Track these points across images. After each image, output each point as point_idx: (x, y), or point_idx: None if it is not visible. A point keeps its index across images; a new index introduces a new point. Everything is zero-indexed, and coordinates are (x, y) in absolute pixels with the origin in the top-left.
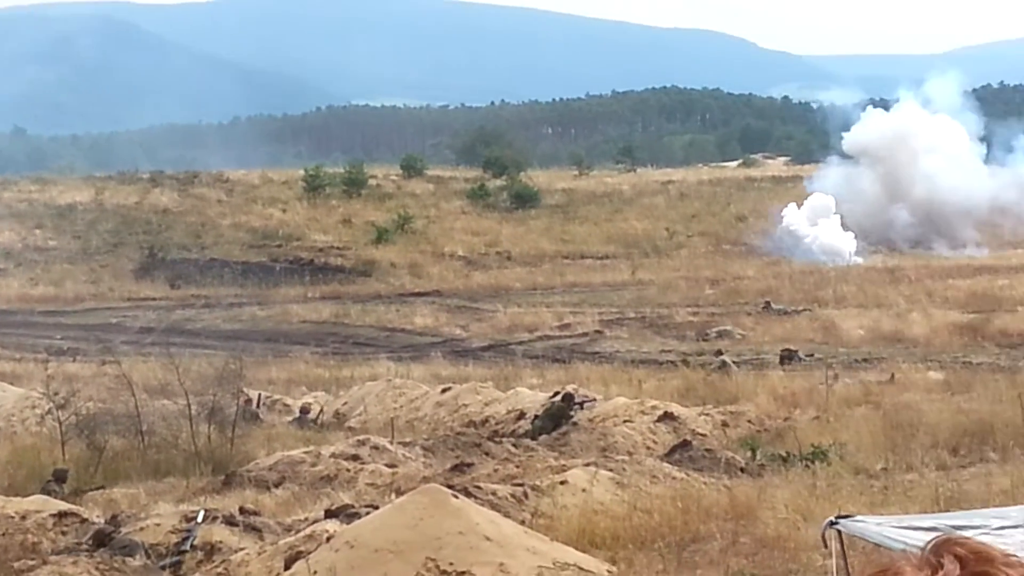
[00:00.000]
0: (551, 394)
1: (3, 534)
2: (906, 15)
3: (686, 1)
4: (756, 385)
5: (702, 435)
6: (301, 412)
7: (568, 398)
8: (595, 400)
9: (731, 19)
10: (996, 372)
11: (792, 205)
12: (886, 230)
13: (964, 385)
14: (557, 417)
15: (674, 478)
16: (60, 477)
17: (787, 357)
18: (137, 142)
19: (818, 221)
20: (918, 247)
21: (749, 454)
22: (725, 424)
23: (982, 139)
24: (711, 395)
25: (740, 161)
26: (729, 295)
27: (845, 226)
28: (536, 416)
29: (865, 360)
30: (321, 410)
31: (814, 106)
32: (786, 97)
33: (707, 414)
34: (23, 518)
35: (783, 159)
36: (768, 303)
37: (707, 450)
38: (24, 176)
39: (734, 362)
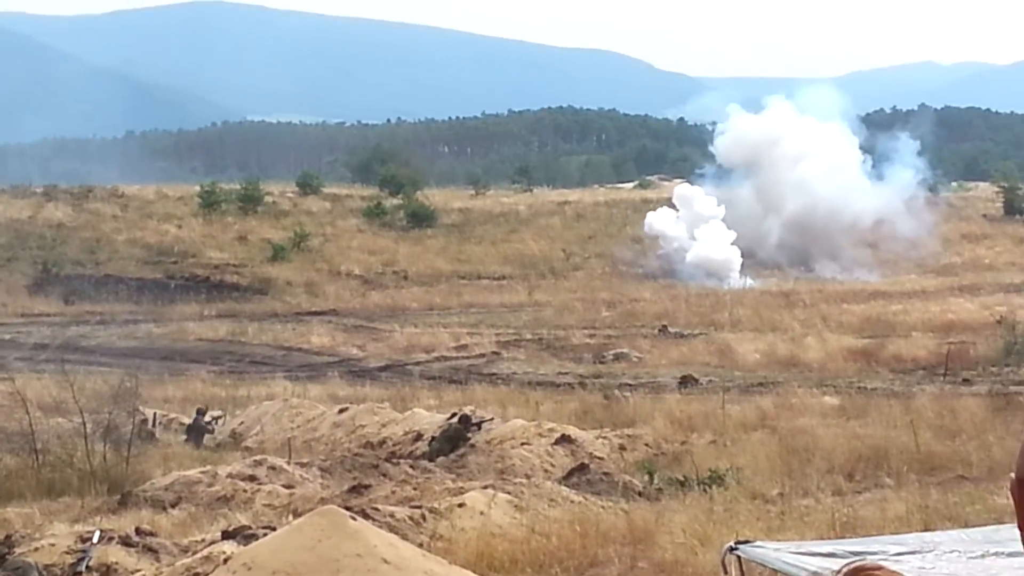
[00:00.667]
0: (448, 415)
1: None
2: (805, 38)
3: (582, 21)
4: (653, 408)
5: (600, 458)
6: (198, 413)
7: (465, 420)
8: (492, 422)
9: (628, 40)
10: (890, 397)
11: (663, 211)
12: (763, 246)
13: (859, 410)
14: (454, 439)
15: (572, 501)
16: None
17: (686, 381)
18: (29, 155)
19: (698, 229)
20: (799, 266)
21: (647, 478)
22: (622, 447)
23: (865, 151)
24: (608, 418)
25: (636, 183)
26: (626, 317)
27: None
28: (433, 438)
29: (761, 384)
30: (217, 418)
31: (709, 128)
32: (682, 119)
33: (604, 437)
34: None
35: (678, 181)
36: (665, 326)
37: (605, 473)
38: None
39: (630, 384)
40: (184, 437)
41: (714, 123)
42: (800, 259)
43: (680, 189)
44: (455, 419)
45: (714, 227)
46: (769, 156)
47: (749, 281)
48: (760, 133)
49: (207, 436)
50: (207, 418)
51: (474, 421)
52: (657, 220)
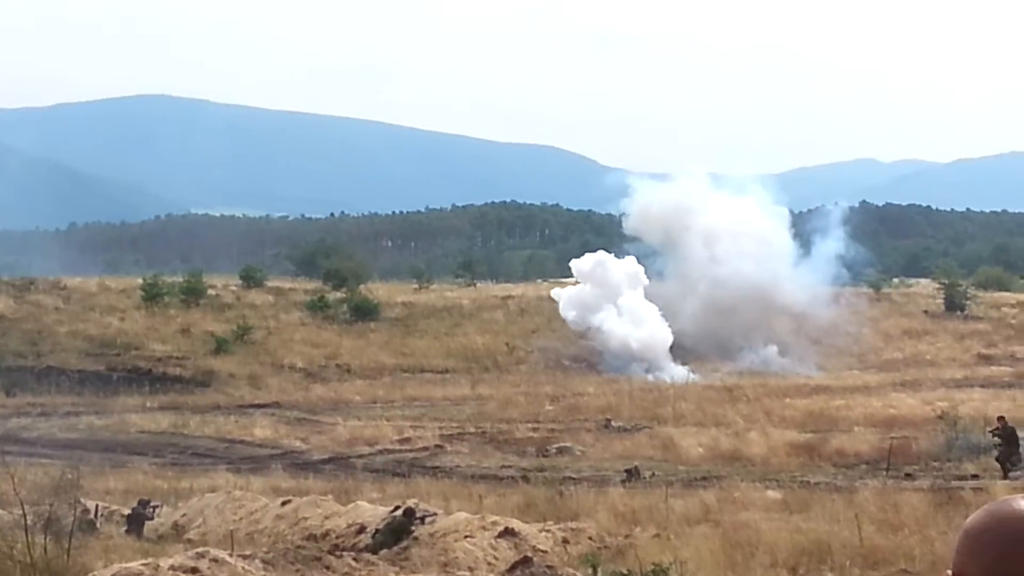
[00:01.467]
0: (392, 508)
1: None
2: (747, 135)
3: (525, 117)
4: (597, 502)
5: (543, 551)
6: (140, 504)
7: (409, 512)
8: (436, 515)
9: (571, 136)
10: (833, 492)
11: (571, 289)
12: (683, 329)
13: (802, 504)
14: (398, 532)
15: None
16: None
17: (631, 474)
18: None
19: (620, 298)
20: (719, 355)
21: (590, 571)
22: (566, 541)
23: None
24: (552, 511)
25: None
26: (569, 411)
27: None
28: (377, 530)
29: (704, 478)
30: (156, 507)
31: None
32: (624, 214)
33: (548, 530)
34: None
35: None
36: (608, 420)
37: (548, 567)
38: None
39: (573, 478)
40: (125, 528)
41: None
42: (720, 345)
43: (580, 263)
44: (399, 512)
45: (632, 299)
46: (680, 228)
47: (691, 375)
48: (669, 203)
49: (147, 525)
50: (148, 510)
51: (418, 514)
52: (571, 301)
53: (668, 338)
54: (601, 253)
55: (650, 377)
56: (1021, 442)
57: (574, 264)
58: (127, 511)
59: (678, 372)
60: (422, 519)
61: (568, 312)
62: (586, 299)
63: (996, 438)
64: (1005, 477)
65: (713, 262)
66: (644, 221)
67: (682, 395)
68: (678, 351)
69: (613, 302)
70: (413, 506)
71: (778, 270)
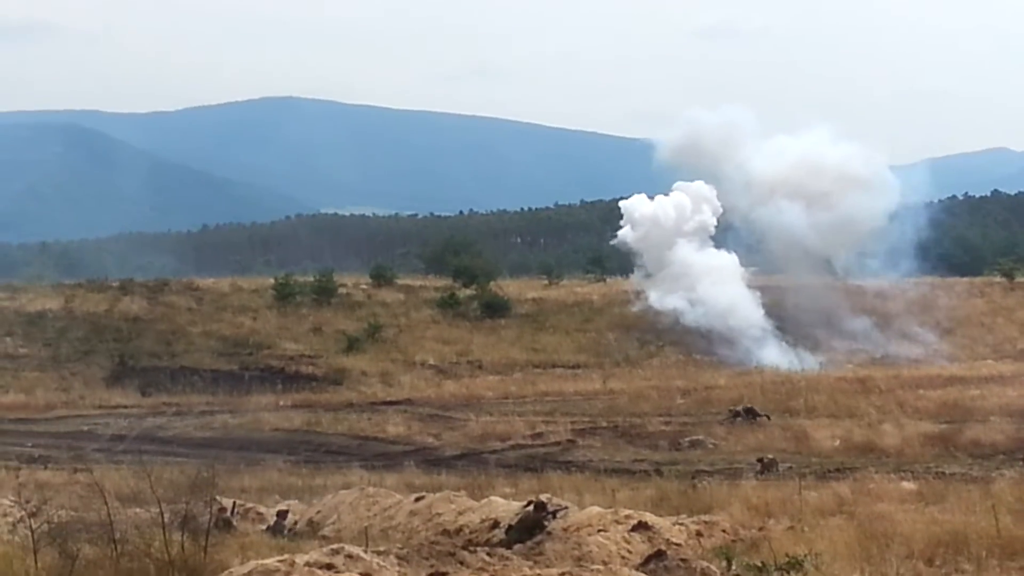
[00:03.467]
0: (525, 503)
1: None
2: (881, 125)
3: (653, 113)
4: (730, 495)
5: (676, 545)
6: (278, 516)
7: (540, 507)
8: (568, 509)
9: None
10: (969, 482)
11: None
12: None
13: (937, 495)
14: (531, 527)
15: None
16: None
17: (766, 466)
18: (106, 250)
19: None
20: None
21: (724, 564)
22: (700, 534)
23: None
24: (685, 505)
25: None
26: (701, 404)
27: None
28: (511, 525)
29: (838, 470)
30: (296, 521)
31: None
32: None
33: (681, 524)
34: None
35: (752, 269)
36: (748, 409)
37: (682, 560)
38: None
39: (707, 471)
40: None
41: None
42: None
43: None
44: (531, 507)
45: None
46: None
47: (816, 365)
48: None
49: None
50: (287, 521)
51: (549, 508)
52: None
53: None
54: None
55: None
56: None
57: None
58: (263, 510)
59: (805, 361)
60: (553, 513)
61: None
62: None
63: None
64: None
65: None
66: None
67: (814, 387)
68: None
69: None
70: (545, 500)
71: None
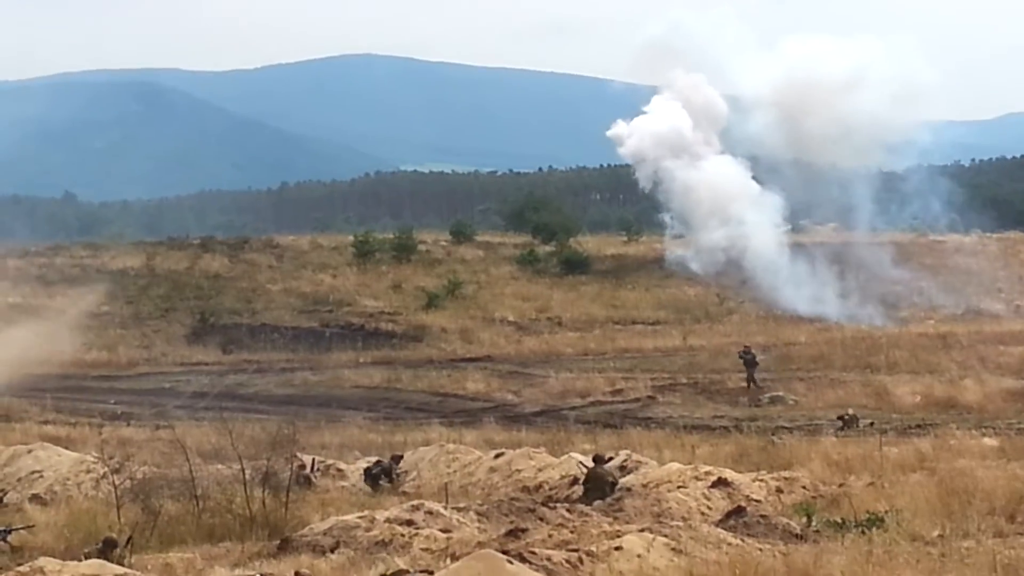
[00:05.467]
0: (593, 458)
1: None
2: (961, 78)
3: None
4: (810, 451)
5: (756, 501)
6: (392, 459)
7: (598, 459)
8: (629, 460)
9: None
10: None
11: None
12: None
13: (1019, 452)
14: (603, 483)
15: (730, 544)
16: (110, 545)
17: (846, 423)
18: (186, 208)
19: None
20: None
21: (804, 520)
22: (779, 490)
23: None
24: (765, 461)
25: (791, 226)
26: (781, 361)
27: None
28: (586, 482)
29: (919, 426)
30: (402, 472)
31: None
32: None
33: (761, 480)
34: None
35: (832, 225)
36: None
37: (762, 516)
38: (76, 242)
39: (786, 427)
40: (363, 478)
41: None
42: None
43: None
44: (594, 462)
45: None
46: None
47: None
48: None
49: (386, 484)
50: (394, 471)
51: (606, 456)
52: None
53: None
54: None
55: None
56: None
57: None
58: (343, 466)
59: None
60: (623, 467)
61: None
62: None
63: None
64: None
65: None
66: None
67: (895, 343)
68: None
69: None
70: (601, 454)
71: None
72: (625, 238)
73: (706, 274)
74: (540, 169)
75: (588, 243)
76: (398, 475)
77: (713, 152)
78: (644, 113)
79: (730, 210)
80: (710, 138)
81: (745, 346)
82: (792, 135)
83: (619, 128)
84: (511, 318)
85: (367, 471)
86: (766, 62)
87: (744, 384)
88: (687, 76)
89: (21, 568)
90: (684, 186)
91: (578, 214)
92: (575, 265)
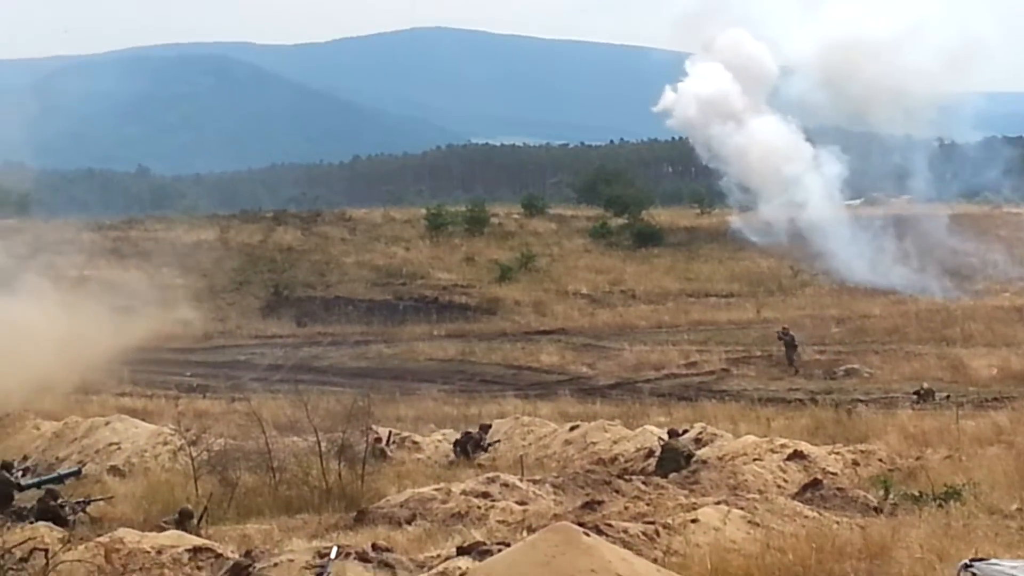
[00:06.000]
0: (668, 431)
1: (140, 569)
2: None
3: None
4: (886, 424)
5: (833, 474)
6: (481, 429)
7: (672, 433)
8: (722, 437)
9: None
10: None
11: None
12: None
13: None
14: (678, 456)
15: (806, 517)
16: (186, 516)
17: (922, 396)
18: (259, 181)
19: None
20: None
21: (881, 493)
22: (856, 463)
23: None
24: (841, 434)
25: (862, 199)
26: (855, 333)
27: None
28: (662, 455)
29: (996, 399)
30: (495, 442)
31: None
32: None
33: (837, 453)
34: (159, 553)
35: (906, 197)
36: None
37: (838, 489)
38: (149, 215)
39: (862, 400)
40: (454, 444)
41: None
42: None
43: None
44: (669, 435)
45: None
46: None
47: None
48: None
49: (482, 454)
50: (487, 440)
51: (679, 430)
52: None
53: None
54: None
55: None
56: None
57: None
58: (418, 439)
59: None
60: (698, 439)
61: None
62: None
63: None
64: None
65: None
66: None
67: (970, 315)
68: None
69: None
70: (675, 429)
71: None
72: (698, 210)
73: (768, 245)
74: (611, 142)
75: (660, 215)
76: (490, 444)
77: (761, 114)
78: (685, 80)
79: (786, 173)
80: (757, 99)
81: (784, 327)
82: (840, 100)
83: (666, 99)
84: (584, 291)
85: (458, 442)
86: (811, 21)
87: (788, 363)
88: (728, 33)
89: (100, 539)
90: (735, 151)
91: (650, 186)
92: (648, 238)
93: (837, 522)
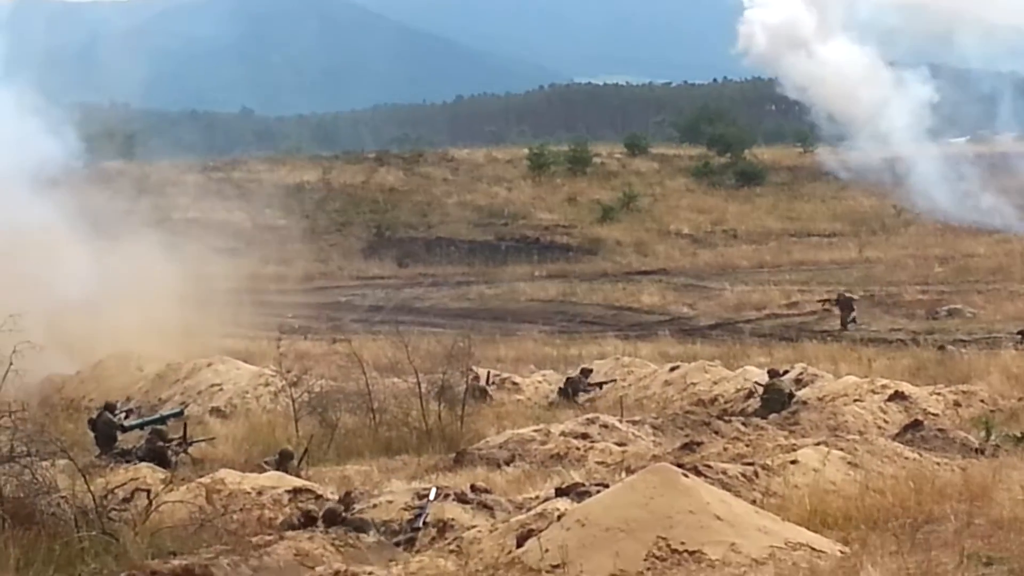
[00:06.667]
0: (768, 372)
1: (241, 509)
2: None
3: None
4: (988, 364)
5: (934, 415)
6: (581, 373)
7: (774, 373)
8: (822, 378)
9: None
10: None
11: None
12: None
13: None
14: (780, 396)
15: (906, 458)
16: (287, 457)
17: None
18: (361, 121)
19: None
20: None
21: (983, 434)
22: (957, 404)
23: None
24: (942, 374)
25: (968, 136)
26: (959, 273)
27: None
28: (763, 395)
29: None
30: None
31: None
32: None
33: (938, 394)
34: (259, 494)
35: (1012, 135)
36: None
37: (939, 430)
38: (252, 156)
39: (964, 340)
40: (558, 390)
41: None
42: None
43: None
44: (770, 375)
45: None
46: None
47: None
48: None
49: (582, 395)
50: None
51: (781, 370)
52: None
53: None
54: None
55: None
56: None
57: None
58: (518, 379)
59: None
60: (798, 380)
61: None
62: None
63: None
64: None
65: None
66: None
67: None
68: None
69: None
70: (775, 369)
71: None
72: (800, 149)
73: (871, 184)
74: (714, 80)
75: (763, 155)
76: (593, 386)
77: (833, 38)
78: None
79: (866, 100)
80: (829, 22)
81: (842, 293)
82: (918, 21)
83: (741, 36)
84: (686, 231)
85: (562, 386)
86: None
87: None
88: None
89: (203, 479)
90: (810, 80)
91: (753, 125)
92: (750, 177)
93: (937, 463)
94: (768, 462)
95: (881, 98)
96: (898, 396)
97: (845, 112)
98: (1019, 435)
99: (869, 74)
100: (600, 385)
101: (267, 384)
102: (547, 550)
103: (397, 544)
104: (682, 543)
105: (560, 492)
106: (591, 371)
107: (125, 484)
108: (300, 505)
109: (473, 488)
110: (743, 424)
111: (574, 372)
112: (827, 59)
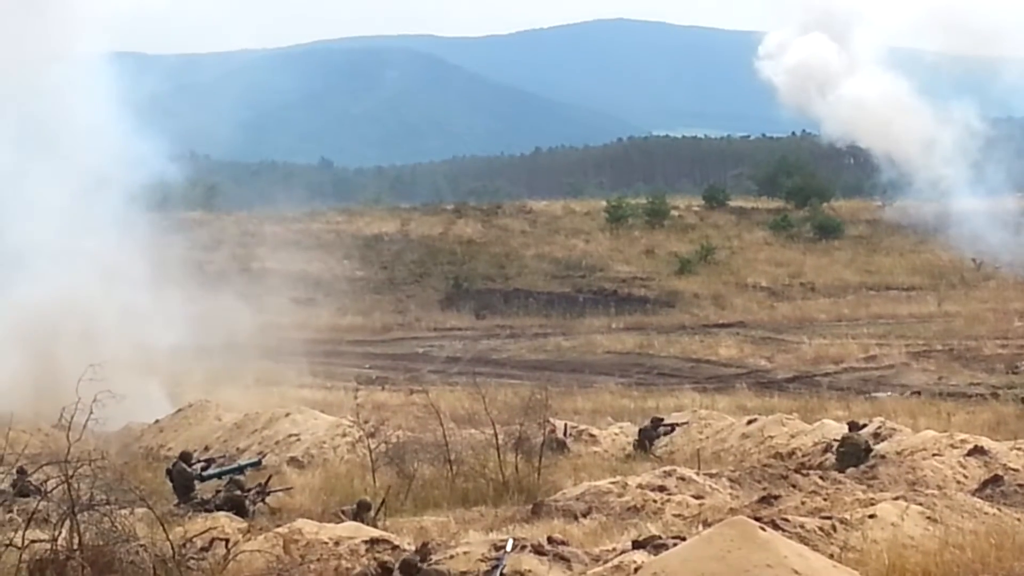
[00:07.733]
0: (848, 425)
1: (318, 559)
2: None
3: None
4: None
5: (1014, 470)
6: (653, 422)
7: (853, 426)
8: (900, 432)
9: None
10: None
11: None
12: None
13: None
14: (857, 450)
15: (986, 513)
16: (364, 507)
17: None
18: (440, 173)
19: None
20: None
21: None
22: None
23: None
24: (1023, 429)
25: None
26: None
27: None
28: (841, 448)
29: None
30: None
31: None
32: None
33: (1019, 448)
34: (336, 544)
35: None
36: None
37: (1020, 485)
38: (331, 207)
39: None
40: (634, 442)
41: None
42: None
43: None
44: (848, 429)
45: None
46: None
47: None
48: None
49: (657, 444)
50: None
51: (862, 426)
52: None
53: None
54: None
55: None
56: None
57: None
58: (595, 431)
59: None
60: (876, 434)
61: None
62: None
63: None
64: None
65: None
66: None
67: None
68: None
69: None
70: (855, 421)
71: None
72: (879, 203)
73: (951, 237)
74: (793, 133)
75: (842, 207)
76: (667, 427)
77: (857, 71)
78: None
79: (902, 129)
80: (855, 50)
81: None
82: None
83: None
84: (764, 283)
85: (637, 438)
86: None
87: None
88: None
89: (280, 529)
90: (846, 117)
91: (831, 178)
92: (829, 230)
93: (1018, 519)
94: (846, 516)
95: (929, 137)
96: (978, 451)
97: (897, 151)
98: None
99: (899, 101)
100: (673, 427)
101: (344, 434)
102: None
103: None
104: None
105: (637, 545)
106: (662, 420)
107: (203, 533)
108: (377, 556)
109: (550, 540)
110: (821, 478)
111: (646, 423)
112: (859, 96)
